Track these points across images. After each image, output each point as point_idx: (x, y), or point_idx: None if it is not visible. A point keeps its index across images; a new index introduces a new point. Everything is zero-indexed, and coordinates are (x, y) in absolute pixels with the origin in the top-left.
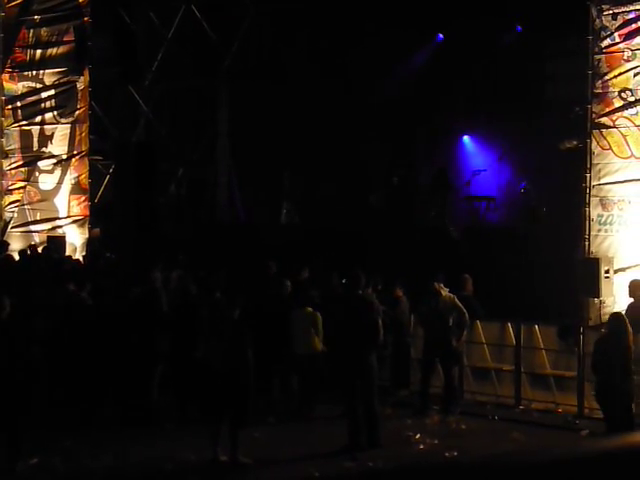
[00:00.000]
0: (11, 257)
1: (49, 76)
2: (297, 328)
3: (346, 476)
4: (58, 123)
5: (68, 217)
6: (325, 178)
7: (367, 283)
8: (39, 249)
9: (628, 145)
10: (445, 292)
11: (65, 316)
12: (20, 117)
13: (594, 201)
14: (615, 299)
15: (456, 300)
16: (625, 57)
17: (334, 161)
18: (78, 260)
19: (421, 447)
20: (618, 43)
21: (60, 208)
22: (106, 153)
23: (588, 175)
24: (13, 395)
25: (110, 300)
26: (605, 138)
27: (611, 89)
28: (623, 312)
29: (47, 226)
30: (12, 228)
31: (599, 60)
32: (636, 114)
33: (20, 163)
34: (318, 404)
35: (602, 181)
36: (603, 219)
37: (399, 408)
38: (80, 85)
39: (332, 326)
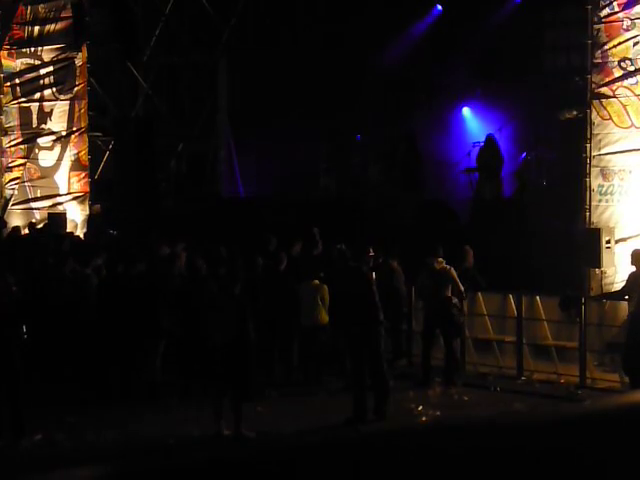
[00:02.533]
0: (17, 232)
1: (47, 53)
2: (305, 300)
3: (344, 444)
4: (57, 100)
5: (68, 194)
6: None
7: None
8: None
9: (628, 115)
10: (442, 264)
11: (74, 293)
12: (19, 94)
13: (594, 171)
14: (616, 269)
15: (452, 271)
16: (624, 26)
17: (331, 133)
18: (79, 237)
19: (423, 419)
20: (617, 12)
21: (60, 185)
22: (105, 129)
23: (588, 145)
24: (13, 371)
25: (114, 276)
26: (605, 108)
27: (611, 59)
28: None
29: (47, 203)
30: (12, 205)
31: (598, 30)
32: (636, 83)
33: (20, 140)
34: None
35: (602, 151)
36: (604, 189)
37: (401, 380)
38: (78, 61)
39: (337, 297)
